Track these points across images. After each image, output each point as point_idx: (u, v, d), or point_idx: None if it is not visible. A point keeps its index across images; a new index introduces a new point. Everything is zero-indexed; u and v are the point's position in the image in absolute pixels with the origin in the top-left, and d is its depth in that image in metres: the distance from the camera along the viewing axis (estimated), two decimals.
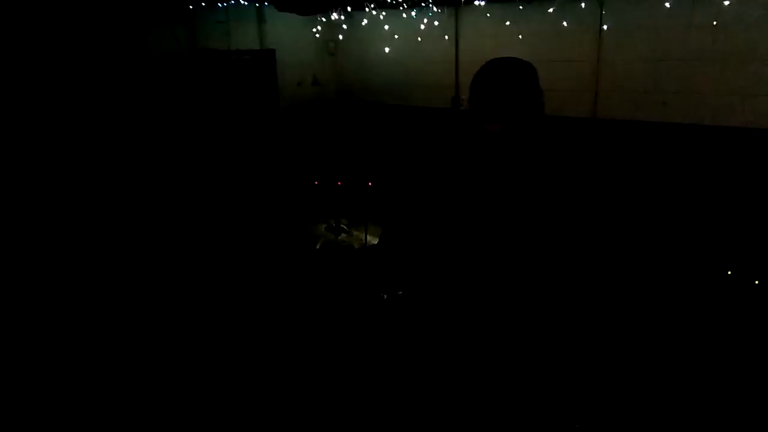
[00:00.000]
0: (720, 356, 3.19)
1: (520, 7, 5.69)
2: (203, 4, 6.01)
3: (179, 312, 3.98)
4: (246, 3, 6.44)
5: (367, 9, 6.41)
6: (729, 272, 4.00)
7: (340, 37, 7.67)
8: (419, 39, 6.84)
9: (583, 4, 5.17)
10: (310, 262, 4.66)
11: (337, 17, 6.79)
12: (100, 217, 5.29)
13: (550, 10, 5.30)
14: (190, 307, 4.05)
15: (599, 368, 2.96)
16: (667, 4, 4.69)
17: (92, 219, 5.23)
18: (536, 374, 1.76)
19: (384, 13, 6.83)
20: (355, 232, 4.93)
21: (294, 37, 7.44)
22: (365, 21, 6.72)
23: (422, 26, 6.60)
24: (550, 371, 1.77)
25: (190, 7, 6.02)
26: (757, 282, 3.84)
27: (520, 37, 5.84)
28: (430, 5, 6.24)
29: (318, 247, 4.83)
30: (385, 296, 2.04)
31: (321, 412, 2.93)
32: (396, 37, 7.08)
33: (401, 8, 6.44)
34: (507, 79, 1.71)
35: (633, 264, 4.08)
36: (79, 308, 3.99)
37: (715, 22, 4.58)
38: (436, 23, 6.44)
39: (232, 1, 6.24)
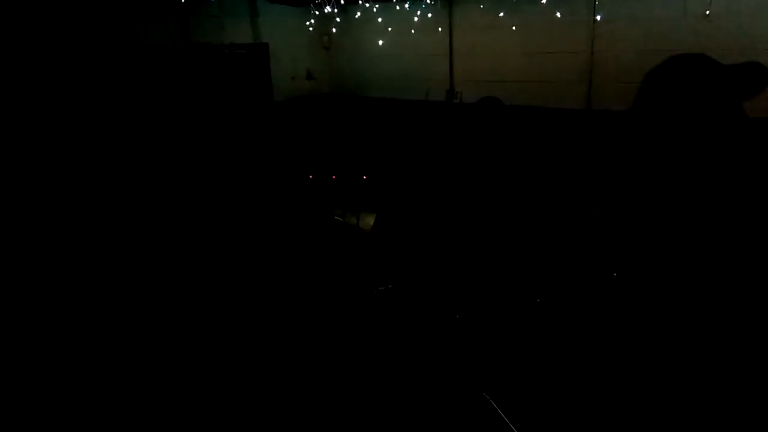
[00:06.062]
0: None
1: None
2: None
3: (177, 306, 3.98)
4: None
5: (360, 1, 6.38)
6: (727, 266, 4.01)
7: (334, 30, 7.65)
8: (413, 31, 6.82)
9: None
10: (306, 253, 4.66)
11: (330, 10, 6.75)
12: (95, 215, 5.26)
13: (543, 1, 5.28)
14: (188, 300, 4.05)
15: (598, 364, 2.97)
16: None
17: (88, 217, 5.21)
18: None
19: (377, 6, 6.81)
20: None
21: (287, 31, 7.40)
22: (358, 14, 6.69)
23: (416, 19, 6.57)
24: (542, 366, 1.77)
25: (182, 0, 5.98)
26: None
27: (514, 28, 5.83)
28: None
29: (314, 238, 4.83)
30: (381, 288, 2.04)
31: (317, 406, 2.93)
32: (389, 30, 7.06)
33: (394, 0, 6.42)
34: None
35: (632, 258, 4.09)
36: (79, 306, 3.99)
37: (708, 12, 4.57)
38: (429, 15, 6.41)
39: None
